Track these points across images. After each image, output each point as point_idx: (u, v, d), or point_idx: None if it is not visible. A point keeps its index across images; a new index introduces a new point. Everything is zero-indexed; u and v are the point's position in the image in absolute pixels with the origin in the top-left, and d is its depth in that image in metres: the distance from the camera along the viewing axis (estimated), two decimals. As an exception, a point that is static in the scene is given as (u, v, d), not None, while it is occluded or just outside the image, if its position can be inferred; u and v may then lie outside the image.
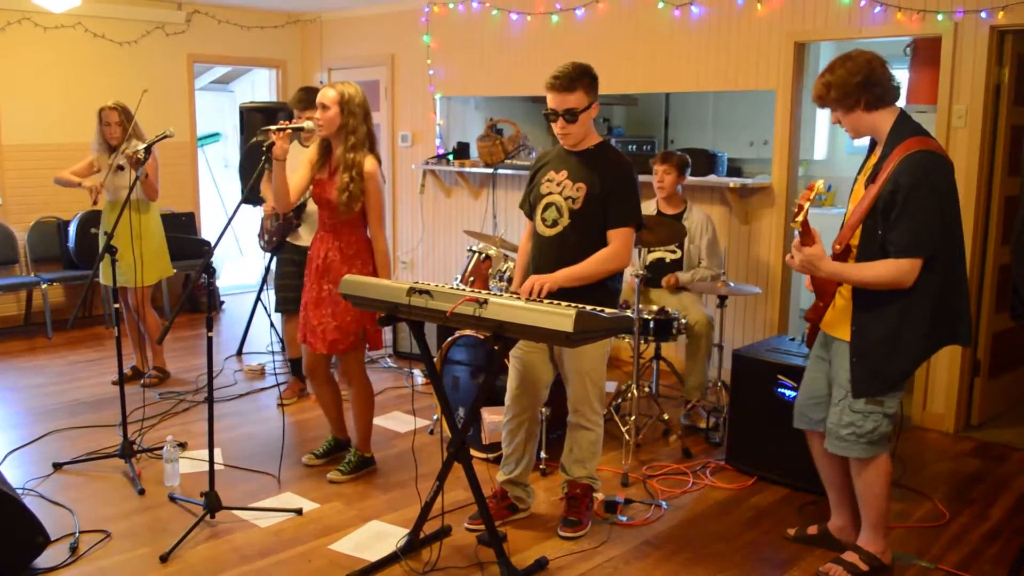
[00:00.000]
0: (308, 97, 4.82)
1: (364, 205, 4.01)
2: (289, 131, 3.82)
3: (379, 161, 4.05)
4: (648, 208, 5.24)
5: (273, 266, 5.92)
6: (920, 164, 3.04)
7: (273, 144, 3.76)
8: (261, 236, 5.45)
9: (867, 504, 3.35)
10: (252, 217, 6.52)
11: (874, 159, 3.22)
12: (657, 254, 5.24)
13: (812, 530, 3.70)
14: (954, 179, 3.16)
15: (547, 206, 3.61)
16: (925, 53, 5.82)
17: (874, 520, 3.37)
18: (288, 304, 5.31)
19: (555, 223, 3.59)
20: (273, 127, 3.81)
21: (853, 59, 3.14)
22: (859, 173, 3.32)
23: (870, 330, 3.18)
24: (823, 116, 8.16)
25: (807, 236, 3.14)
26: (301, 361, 5.61)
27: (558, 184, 3.60)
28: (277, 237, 5.25)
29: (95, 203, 5.42)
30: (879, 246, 3.11)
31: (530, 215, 3.74)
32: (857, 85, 3.11)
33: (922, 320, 3.11)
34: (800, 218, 3.05)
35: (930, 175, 3.04)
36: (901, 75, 8.04)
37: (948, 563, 3.52)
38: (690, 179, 5.38)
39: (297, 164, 4.16)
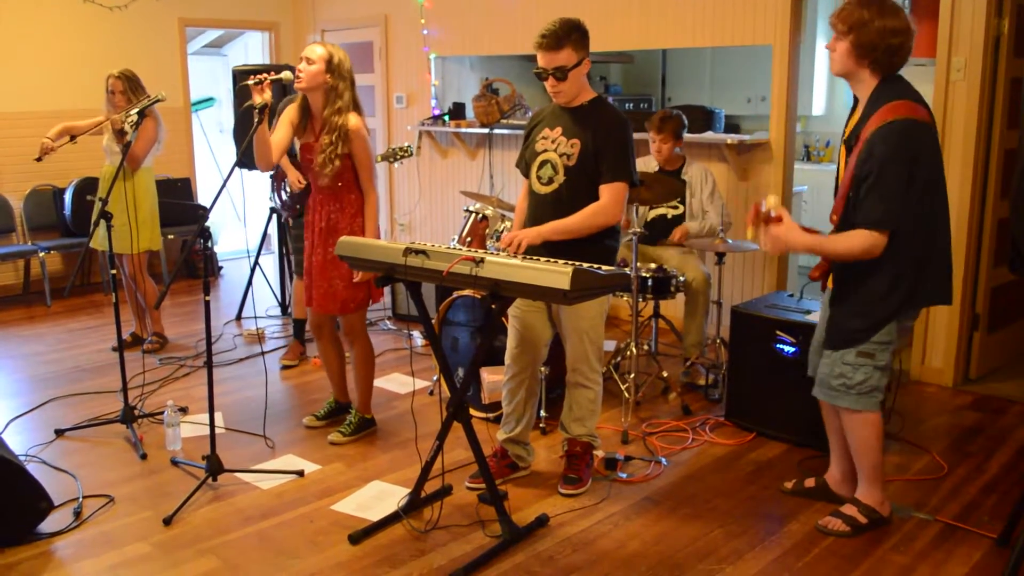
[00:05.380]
0: None
1: (354, 163, 3.99)
2: (269, 82, 3.69)
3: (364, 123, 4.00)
4: (648, 165, 5.21)
5: (272, 231, 5.92)
6: (897, 133, 2.97)
7: (265, 106, 3.70)
8: (285, 204, 5.36)
9: (861, 456, 3.37)
10: (249, 181, 6.48)
11: (855, 119, 3.17)
12: (659, 210, 5.22)
13: (809, 483, 3.72)
14: (937, 145, 3.10)
15: (542, 163, 3.59)
16: (924, 4, 5.77)
17: (868, 472, 3.39)
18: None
19: (550, 180, 3.56)
20: (251, 80, 3.69)
21: (904, 24, 3.02)
22: (843, 135, 3.29)
23: (841, 285, 3.23)
24: (821, 71, 8.10)
25: (774, 222, 3.16)
26: (304, 323, 5.63)
27: (553, 141, 3.57)
28: (302, 205, 5.21)
29: (39, 159, 5.27)
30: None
31: (526, 173, 3.72)
32: (885, 48, 3.01)
33: (881, 284, 3.11)
34: (750, 235, 3.17)
35: (907, 145, 2.97)
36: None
37: (946, 515, 3.55)
38: (688, 136, 5.34)
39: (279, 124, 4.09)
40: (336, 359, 4.49)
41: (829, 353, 3.29)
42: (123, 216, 5.27)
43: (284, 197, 5.28)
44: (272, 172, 5.40)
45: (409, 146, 5.58)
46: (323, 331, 4.37)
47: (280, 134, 4.04)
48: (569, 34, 3.41)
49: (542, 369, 3.98)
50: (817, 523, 3.46)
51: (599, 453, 3.97)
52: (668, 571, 3.17)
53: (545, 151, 3.59)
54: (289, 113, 4.07)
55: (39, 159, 5.31)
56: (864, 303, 3.16)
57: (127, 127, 4.54)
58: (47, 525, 3.45)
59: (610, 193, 3.50)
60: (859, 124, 3.11)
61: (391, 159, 5.54)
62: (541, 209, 3.60)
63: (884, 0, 3.06)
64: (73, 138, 5.44)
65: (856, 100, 3.23)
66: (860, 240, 3.04)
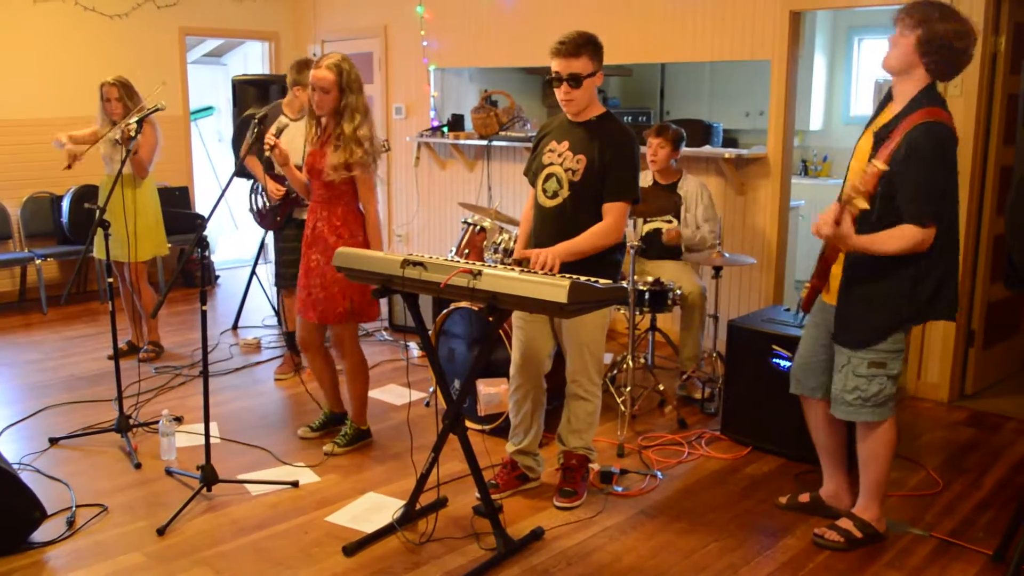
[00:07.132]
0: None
1: (355, 176, 4.00)
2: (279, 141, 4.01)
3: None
4: (644, 179, 5.21)
5: (270, 240, 5.90)
6: (940, 136, 3.00)
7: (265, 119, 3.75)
8: (260, 214, 5.37)
9: (869, 469, 3.37)
10: (245, 192, 6.49)
11: (886, 115, 3.16)
12: (654, 224, 5.23)
13: (803, 498, 3.72)
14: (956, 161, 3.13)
15: (548, 177, 3.60)
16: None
17: (873, 486, 3.39)
18: (288, 280, 5.29)
19: (555, 194, 3.57)
20: (268, 145, 3.98)
21: (968, 29, 3.01)
22: (867, 126, 3.26)
23: (854, 281, 3.21)
24: (819, 86, 8.14)
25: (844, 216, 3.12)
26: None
27: (559, 155, 3.58)
28: (282, 216, 5.22)
29: (68, 167, 5.35)
30: (895, 211, 3.07)
31: (533, 184, 3.73)
32: (949, 49, 2.99)
33: (903, 282, 3.10)
34: (861, 204, 2.98)
35: (948, 148, 3.02)
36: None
37: (941, 531, 3.55)
38: (686, 150, 5.35)
39: (296, 143, 4.29)
40: (327, 372, 4.46)
41: (841, 367, 3.28)
42: (121, 224, 5.26)
43: (263, 207, 5.27)
44: (251, 185, 5.42)
45: (385, 140, 5.64)
46: (310, 344, 4.35)
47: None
48: (587, 43, 3.46)
49: (541, 381, 3.98)
50: (814, 532, 3.46)
51: (595, 466, 3.96)
52: (663, 585, 3.17)
53: (551, 164, 3.60)
54: (306, 131, 4.18)
55: (69, 166, 5.36)
56: (884, 300, 3.14)
57: (132, 134, 4.56)
58: (40, 534, 3.44)
59: (614, 213, 3.52)
60: (895, 119, 3.09)
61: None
62: (546, 222, 3.61)
63: (951, 7, 3.07)
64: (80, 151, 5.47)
65: (889, 96, 3.21)
66: (912, 234, 3.02)
